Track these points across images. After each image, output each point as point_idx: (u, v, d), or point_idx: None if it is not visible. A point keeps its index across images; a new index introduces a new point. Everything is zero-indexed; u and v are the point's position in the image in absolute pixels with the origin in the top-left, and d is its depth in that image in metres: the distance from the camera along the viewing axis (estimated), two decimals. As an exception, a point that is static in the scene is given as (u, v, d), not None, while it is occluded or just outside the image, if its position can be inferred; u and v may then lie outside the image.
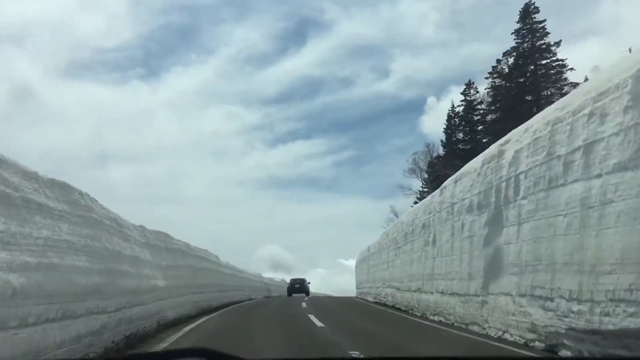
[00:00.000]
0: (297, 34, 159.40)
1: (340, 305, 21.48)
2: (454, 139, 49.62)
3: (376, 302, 23.21)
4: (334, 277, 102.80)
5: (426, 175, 56.42)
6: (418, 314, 14.64)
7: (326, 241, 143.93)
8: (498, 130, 40.25)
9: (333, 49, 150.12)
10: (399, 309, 17.88)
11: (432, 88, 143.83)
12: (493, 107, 42.88)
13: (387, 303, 20.12)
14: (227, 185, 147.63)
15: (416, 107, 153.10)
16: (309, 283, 43.28)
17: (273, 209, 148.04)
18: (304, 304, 20.86)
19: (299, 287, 39.99)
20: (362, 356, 6.22)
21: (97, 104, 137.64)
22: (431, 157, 51.64)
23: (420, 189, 65.37)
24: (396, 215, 65.90)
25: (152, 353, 2.48)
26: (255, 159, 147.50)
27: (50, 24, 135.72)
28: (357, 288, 42.54)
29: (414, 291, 15.19)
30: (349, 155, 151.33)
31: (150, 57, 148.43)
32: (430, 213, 14.25)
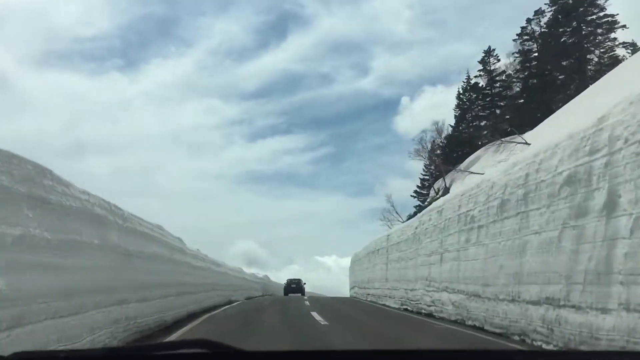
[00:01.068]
0: (277, 28, 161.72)
1: (383, 321, 13.94)
2: (470, 115, 42.77)
3: (408, 310, 16.05)
4: (308, 274, 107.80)
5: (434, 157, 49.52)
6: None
7: (302, 237, 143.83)
8: (523, 106, 33.53)
9: (313, 44, 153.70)
10: (480, 328, 10.69)
11: (411, 86, 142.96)
12: (521, 75, 35.95)
13: (444, 316, 12.92)
14: (204, 179, 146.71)
15: (395, 105, 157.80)
16: (304, 283, 43.82)
17: (250, 204, 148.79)
18: (318, 317, 13.18)
19: (295, 286, 40.83)
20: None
21: (73, 94, 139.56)
22: (440, 137, 44.63)
23: (422, 175, 58.62)
24: (393, 205, 59.25)
25: (154, 344, 3.02)
26: (234, 153, 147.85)
27: (25, 11, 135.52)
28: (352, 288, 40.02)
29: (543, 303, 8.05)
30: (327, 152, 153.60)
31: (129, 48, 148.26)
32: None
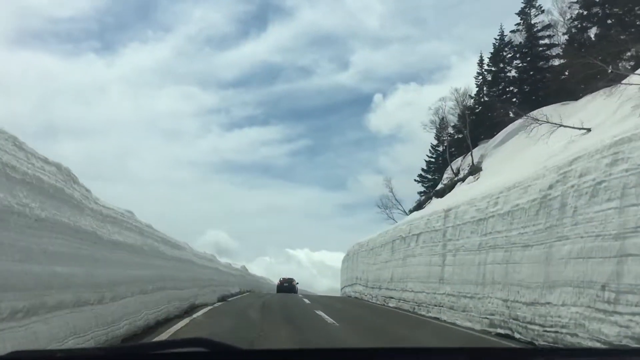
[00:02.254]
0: (258, 18, 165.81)
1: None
2: (504, 76, 35.26)
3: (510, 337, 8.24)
4: (279, 266, 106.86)
5: (452, 127, 41.89)
6: None
7: (274, 229, 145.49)
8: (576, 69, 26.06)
9: (294, 36, 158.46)
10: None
11: (388, 82, 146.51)
12: (579, 25, 28.41)
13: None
14: (178, 167, 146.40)
15: (370, 101, 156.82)
16: (297, 283, 44.42)
17: (224, 194, 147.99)
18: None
19: (287, 285, 41.65)
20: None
21: (47, 75, 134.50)
22: (463, 104, 36.96)
23: (428, 157, 51.15)
24: (392, 191, 51.83)
25: (151, 343, 2.96)
26: (210, 142, 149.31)
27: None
28: (347, 286, 36.51)
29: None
30: (304, 145, 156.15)
31: (106, 30, 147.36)
32: None
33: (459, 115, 39.42)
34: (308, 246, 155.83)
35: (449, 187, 32.20)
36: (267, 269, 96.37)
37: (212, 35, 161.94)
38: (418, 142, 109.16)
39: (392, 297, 18.95)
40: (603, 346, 5.79)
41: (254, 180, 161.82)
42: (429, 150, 52.23)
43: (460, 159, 38.10)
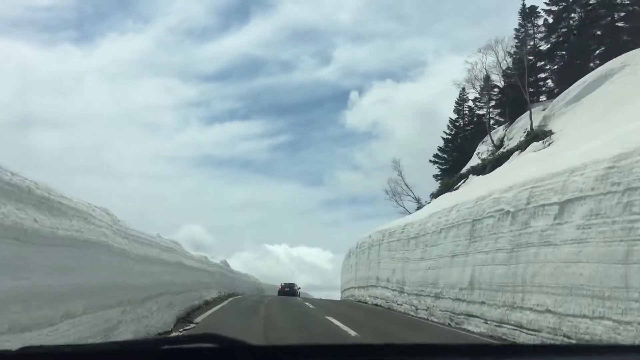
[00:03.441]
0: (240, 10, 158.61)
1: None
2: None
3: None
4: (257, 262, 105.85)
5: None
6: None
7: (253, 224, 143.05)
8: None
9: (276, 30, 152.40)
10: None
11: (371, 78, 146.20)
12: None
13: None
14: (157, 160, 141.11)
15: (351, 97, 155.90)
16: (299, 288, 44.28)
17: (202, 188, 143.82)
18: None
19: (288, 290, 40.88)
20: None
21: (23, 64, 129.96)
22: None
23: (446, 133, 43.73)
24: (401, 174, 44.46)
25: (161, 339, 2.99)
26: (190, 135, 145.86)
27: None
28: (354, 288, 31.01)
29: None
30: (285, 140, 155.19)
31: (84, 20, 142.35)
32: None
33: (505, 72, 31.79)
34: (287, 242, 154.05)
35: (495, 161, 24.60)
36: (245, 264, 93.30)
37: (192, 27, 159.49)
38: (394, 139, 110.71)
39: (473, 316, 11.22)
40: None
41: (233, 174, 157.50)
42: (447, 126, 44.82)
43: (501, 127, 30.76)
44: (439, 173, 45.07)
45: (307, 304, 20.09)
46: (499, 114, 35.65)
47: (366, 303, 24.78)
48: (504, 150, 24.89)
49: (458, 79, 51.59)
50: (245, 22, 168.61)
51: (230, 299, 21.89)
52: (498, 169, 22.71)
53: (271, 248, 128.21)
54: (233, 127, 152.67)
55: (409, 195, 44.72)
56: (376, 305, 22.15)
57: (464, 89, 40.79)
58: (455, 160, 42.09)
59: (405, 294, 17.08)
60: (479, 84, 35.55)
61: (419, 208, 39.49)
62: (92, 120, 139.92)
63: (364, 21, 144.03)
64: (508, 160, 22.88)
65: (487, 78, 34.00)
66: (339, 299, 39.76)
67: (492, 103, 36.12)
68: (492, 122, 34.31)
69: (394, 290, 18.90)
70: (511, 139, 25.79)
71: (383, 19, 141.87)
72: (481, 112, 40.95)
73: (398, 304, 17.93)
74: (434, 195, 34.39)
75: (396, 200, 44.34)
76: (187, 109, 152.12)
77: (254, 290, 41.41)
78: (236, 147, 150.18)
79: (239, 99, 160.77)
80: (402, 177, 44.34)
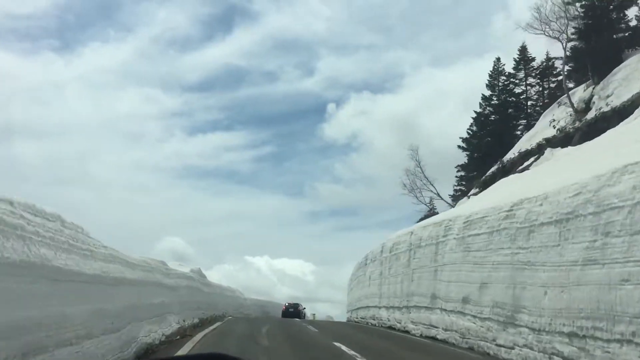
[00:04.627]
0: (223, 21, 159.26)
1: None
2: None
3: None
4: (238, 274, 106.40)
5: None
6: None
7: (234, 236, 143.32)
8: None
9: (259, 41, 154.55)
10: None
11: (353, 89, 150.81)
12: None
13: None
14: (139, 171, 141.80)
15: (331, 109, 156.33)
16: (304, 308, 43.35)
17: (185, 199, 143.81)
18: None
19: (292, 311, 39.46)
20: None
21: (3, 73, 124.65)
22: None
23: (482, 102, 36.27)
24: (419, 165, 36.82)
25: (172, 358, 2.82)
26: (172, 146, 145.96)
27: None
28: (357, 308, 27.40)
29: None
30: (268, 151, 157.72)
31: (66, 28, 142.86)
32: None
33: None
34: (268, 253, 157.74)
35: (588, 127, 16.81)
36: (226, 276, 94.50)
37: (175, 37, 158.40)
38: (374, 150, 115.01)
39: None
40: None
41: (216, 186, 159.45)
42: (480, 104, 37.33)
43: (581, 87, 23.24)
44: (466, 161, 37.81)
45: (338, 344, 11.91)
46: (572, 71, 28.34)
47: (407, 333, 16.84)
48: (602, 112, 17.55)
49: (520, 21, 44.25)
50: (229, 32, 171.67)
51: (202, 334, 13.67)
52: (605, 135, 15.14)
53: (252, 260, 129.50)
54: (216, 138, 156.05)
55: (430, 190, 37.09)
56: (433, 338, 14.21)
57: (498, 58, 33.73)
58: (488, 145, 34.92)
59: (527, 329, 9.07)
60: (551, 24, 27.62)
61: (454, 203, 31.89)
62: (73, 130, 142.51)
63: (348, 33, 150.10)
64: (625, 121, 15.42)
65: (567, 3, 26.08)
66: (346, 321, 31.82)
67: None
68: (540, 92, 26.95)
69: (484, 319, 10.87)
70: (609, 95, 18.62)
71: (367, 31, 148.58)
72: (518, 89, 34.10)
73: (506, 347, 9.88)
74: (483, 183, 26.76)
75: (415, 196, 36.70)
76: (170, 119, 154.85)
77: (237, 310, 33.13)
78: (219, 158, 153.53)
79: (222, 109, 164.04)
80: (421, 168, 36.71)
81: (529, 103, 38.15)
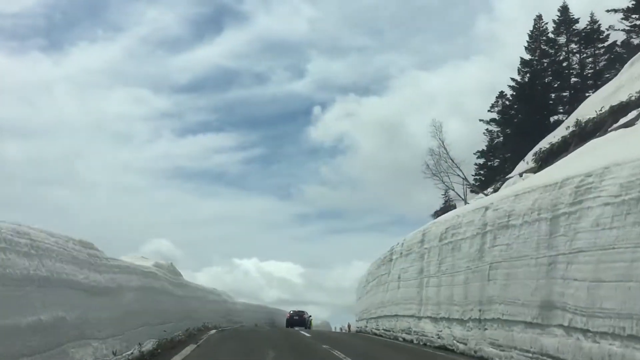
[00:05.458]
0: (213, 21, 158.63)
1: None
2: None
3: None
4: (225, 276, 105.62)
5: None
6: None
7: (223, 238, 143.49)
8: None
9: (249, 42, 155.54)
10: None
11: (342, 91, 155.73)
12: None
13: None
14: (127, 172, 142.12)
15: (319, 111, 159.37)
16: (310, 316, 41.35)
17: (174, 201, 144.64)
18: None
19: (297, 319, 37.27)
20: None
21: None
22: None
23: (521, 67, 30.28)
24: (443, 144, 30.71)
25: None
26: (162, 147, 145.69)
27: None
28: (370, 318, 23.96)
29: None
30: (257, 153, 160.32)
31: (53, 28, 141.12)
32: None
33: None
34: (257, 256, 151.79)
35: None
36: (214, 278, 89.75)
37: (164, 37, 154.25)
38: (361, 153, 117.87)
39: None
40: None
41: (205, 188, 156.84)
42: (518, 69, 31.30)
43: None
44: (498, 136, 31.88)
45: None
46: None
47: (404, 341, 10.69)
48: None
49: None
50: (218, 33, 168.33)
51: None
52: None
53: (240, 262, 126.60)
54: (205, 139, 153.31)
55: (456, 174, 30.95)
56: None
57: (539, 16, 27.66)
58: (528, 113, 29.00)
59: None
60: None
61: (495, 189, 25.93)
62: (61, 130, 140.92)
63: (338, 35, 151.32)
64: None
65: None
66: (355, 332, 25.72)
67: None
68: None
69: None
70: None
71: (357, 34, 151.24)
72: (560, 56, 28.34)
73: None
74: (541, 157, 20.69)
75: (441, 179, 30.55)
76: (159, 120, 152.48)
77: (225, 318, 26.80)
78: (208, 160, 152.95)
79: (211, 111, 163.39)
80: (445, 148, 30.55)
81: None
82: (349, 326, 76.65)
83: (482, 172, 48.21)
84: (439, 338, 14.52)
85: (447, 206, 51.81)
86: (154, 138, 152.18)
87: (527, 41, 33.44)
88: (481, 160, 45.71)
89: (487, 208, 12.31)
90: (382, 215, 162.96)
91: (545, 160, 19.45)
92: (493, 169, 44.75)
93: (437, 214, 51.76)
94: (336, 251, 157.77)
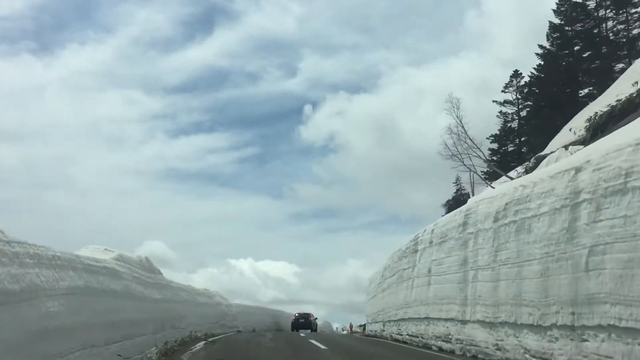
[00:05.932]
0: (204, 21, 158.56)
1: None
2: None
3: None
4: (221, 277, 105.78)
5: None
6: None
7: (217, 239, 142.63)
8: None
9: (241, 41, 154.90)
10: None
11: (335, 89, 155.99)
12: None
13: None
14: (121, 175, 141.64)
15: (320, 109, 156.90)
16: (316, 319, 40.19)
17: (168, 202, 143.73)
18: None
19: (303, 321, 36.80)
20: None
21: None
22: None
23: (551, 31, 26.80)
24: (461, 122, 27.08)
25: None
26: (155, 148, 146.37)
27: None
28: (387, 320, 21.15)
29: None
30: (251, 153, 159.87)
31: (44, 30, 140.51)
32: None
33: None
34: (252, 256, 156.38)
35: None
36: (210, 280, 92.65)
37: (156, 38, 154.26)
38: (358, 152, 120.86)
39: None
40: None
41: (199, 189, 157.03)
42: (547, 35, 27.82)
43: None
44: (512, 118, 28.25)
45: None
46: None
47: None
48: None
49: None
50: (209, 33, 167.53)
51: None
52: None
53: (236, 263, 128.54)
54: (198, 139, 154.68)
55: (478, 156, 27.33)
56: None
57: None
58: (557, 85, 25.41)
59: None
60: None
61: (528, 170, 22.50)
62: (53, 133, 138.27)
63: (330, 33, 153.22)
64: None
65: None
66: (364, 335, 22.32)
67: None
68: None
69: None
70: None
71: (350, 32, 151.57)
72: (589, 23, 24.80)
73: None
74: (596, 123, 17.09)
75: (461, 160, 26.89)
76: (152, 122, 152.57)
77: (217, 324, 23.26)
78: (201, 161, 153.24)
79: (204, 111, 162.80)
80: (463, 127, 26.92)
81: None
82: (350, 327, 73.14)
83: (494, 158, 45.00)
84: (498, 349, 10.95)
85: (459, 195, 48.45)
86: (147, 139, 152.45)
87: (557, 3, 29.96)
88: (495, 146, 42.36)
89: (579, 169, 8.70)
90: (377, 214, 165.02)
91: (603, 126, 15.93)
92: (507, 154, 41.48)
93: (449, 204, 48.39)
94: (331, 250, 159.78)
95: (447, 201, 48.07)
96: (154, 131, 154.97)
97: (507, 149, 41.23)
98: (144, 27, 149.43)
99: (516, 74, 41.97)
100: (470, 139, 28.14)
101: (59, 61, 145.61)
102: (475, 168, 28.03)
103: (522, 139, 38.10)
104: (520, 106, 41.68)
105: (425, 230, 17.34)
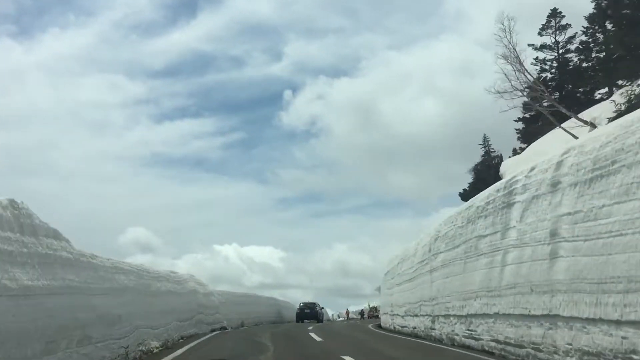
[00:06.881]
0: (187, 4, 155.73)
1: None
2: None
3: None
4: (206, 262, 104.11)
5: None
6: None
7: (202, 225, 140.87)
8: None
9: (225, 25, 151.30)
10: None
11: (323, 73, 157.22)
12: None
13: None
14: (104, 160, 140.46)
15: (305, 93, 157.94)
16: (322, 308, 40.20)
17: (153, 188, 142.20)
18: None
19: (309, 312, 35.61)
20: None
21: None
22: None
23: None
24: (515, 48, 20.01)
25: None
26: (138, 134, 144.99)
27: None
28: (406, 314, 18.56)
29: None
30: (236, 138, 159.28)
31: (24, 13, 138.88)
32: None
33: None
34: (237, 241, 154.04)
35: None
36: (195, 265, 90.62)
37: (138, 22, 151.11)
38: (341, 136, 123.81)
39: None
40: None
41: (184, 174, 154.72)
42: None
43: None
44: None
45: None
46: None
47: None
48: None
49: None
50: (193, 16, 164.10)
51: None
52: None
53: (221, 248, 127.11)
54: (183, 124, 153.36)
55: (524, 96, 20.56)
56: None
57: None
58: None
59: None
60: None
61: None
62: (34, 118, 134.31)
63: (317, 16, 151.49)
64: None
65: None
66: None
67: None
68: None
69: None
70: None
71: (335, 14, 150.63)
72: None
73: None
74: None
75: (522, 92, 20.04)
76: (135, 107, 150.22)
77: (188, 322, 16.34)
78: (186, 146, 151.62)
79: (188, 96, 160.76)
80: (517, 53, 20.09)
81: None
82: (347, 313, 67.29)
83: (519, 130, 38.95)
84: None
85: (488, 159, 42.02)
86: (130, 125, 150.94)
87: None
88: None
89: None
90: (362, 198, 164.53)
91: None
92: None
93: (476, 168, 42.03)
94: (316, 234, 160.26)
95: (475, 165, 41.91)
96: (138, 116, 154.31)
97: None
98: (125, 11, 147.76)
99: (554, 13, 35.20)
100: (527, 72, 21.29)
101: (40, 45, 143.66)
102: (537, 107, 21.17)
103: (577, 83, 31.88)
104: (561, 50, 35.04)
105: (522, 172, 10.50)
